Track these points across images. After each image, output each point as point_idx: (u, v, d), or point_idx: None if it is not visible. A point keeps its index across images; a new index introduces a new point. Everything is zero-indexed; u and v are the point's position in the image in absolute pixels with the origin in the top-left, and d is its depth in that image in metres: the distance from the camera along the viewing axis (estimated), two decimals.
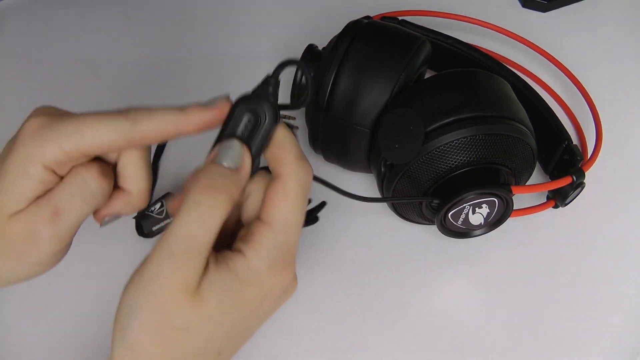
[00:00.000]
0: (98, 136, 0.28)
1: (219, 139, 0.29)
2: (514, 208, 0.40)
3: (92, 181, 0.29)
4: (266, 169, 0.30)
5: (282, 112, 0.30)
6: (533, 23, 0.59)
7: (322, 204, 0.44)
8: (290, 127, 0.28)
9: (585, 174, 0.42)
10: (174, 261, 0.26)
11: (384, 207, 0.44)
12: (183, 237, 0.26)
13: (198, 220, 0.26)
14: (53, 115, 0.29)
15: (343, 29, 0.42)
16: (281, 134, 0.29)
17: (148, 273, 0.26)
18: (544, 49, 0.52)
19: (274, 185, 0.29)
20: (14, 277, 0.30)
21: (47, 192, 0.29)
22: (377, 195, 0.43)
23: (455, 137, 0.37)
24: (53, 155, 0.28)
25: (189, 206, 0.27)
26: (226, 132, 0.29)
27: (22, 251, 0.29)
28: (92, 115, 0.28)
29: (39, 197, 0.28)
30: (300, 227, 0.29)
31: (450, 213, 0.39)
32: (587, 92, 0.50)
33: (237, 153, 0.28)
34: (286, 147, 0.29)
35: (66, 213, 0.29)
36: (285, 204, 0.28)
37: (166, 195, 0.44)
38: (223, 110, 0.29)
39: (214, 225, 0.27)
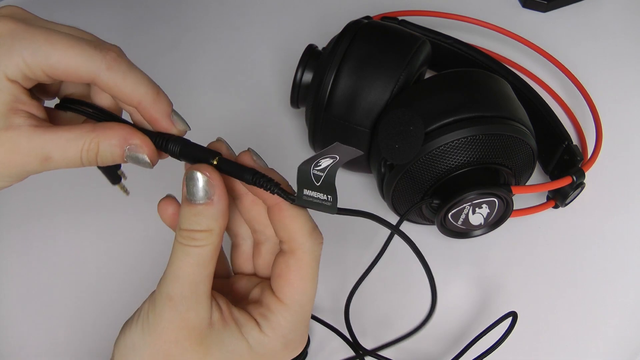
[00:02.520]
0: (64, 64, 0.27)
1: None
2: (514, 208, 0.40)
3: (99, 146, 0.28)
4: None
5: None
6: (533, 23, 0.59)
7: None
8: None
9: (585, 174, 0.42)
10: (174, 304, 0.26)
11: (383, 207, 0.44)
12: (178, 279, 0.27)
13: (189, 261, 0.27)
14: (22, 22, 0.27)
15: (343, 29, 0.42)
16: (294, 208, 0.28)
17: (151, 316, 0.27)
18: (544, 49, 0.52)
19: (289, 262, 0.28)
20: None
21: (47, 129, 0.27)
22: (378, 196, 0.43)
23: (455, 137, 0.37)
24: (17, 69, 0.26)
25: (177, 249, 0.27)
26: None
27: None
28: (64, 38, 0.27)
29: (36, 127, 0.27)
30: (314, 299, 0.29)
31: (451, 213, 0.39)
32: (587, 92, 0.50)
33: (202, 185, 0.27)
34: (299, 221, 0.28)
35: (55, 163, 0.28)
36: (302, 284, 0.28)
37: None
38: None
39: (206, 262, 0.27)
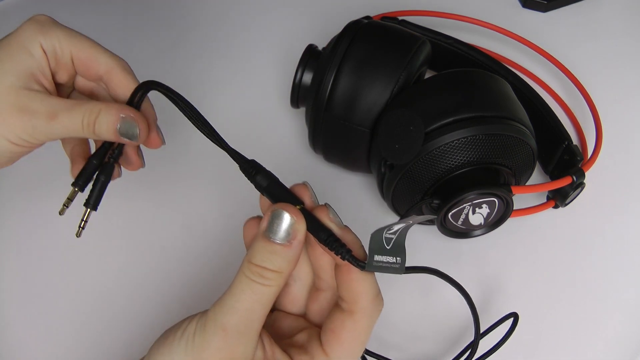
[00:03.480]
0: (89, 54, 0.33)
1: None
2: (514, 208, 0.40)
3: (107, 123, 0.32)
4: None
5: None
6: (533, 23, 0.59)
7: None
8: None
9: (585, 174, 0.42)
10: (225, 335, 0.26)
11: (383, 207, 0.44)
12: (236, 312, 0.26)
13: (251, 297, 0.27)
14: (56, 21, 0.33)
15: (343, 29, 0.42)
16: (362, 273, 0.28)
17: (197, 339, 0.27)
18: (544, 49, 0.52)
19: (345, 322, 0.28)
20: None
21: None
22: (378, 196, 0.43)
23: (455, 137, 0.37)
24: (51, 45, 0.32)
25: (241, 281, 0.27)
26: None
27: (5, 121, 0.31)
28: (91, 42, 0.34)
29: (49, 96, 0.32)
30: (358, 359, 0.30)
31: (451, 213, 0.39)
32: (587, 92, 0.50)
33: (287, 227, 0.27)
34: (365, 285, 0.28)
35: (60, 123, 0.31)
36: (353, 345, 0.29)
37: None
38: None
39: (268, 301, 0.27)
